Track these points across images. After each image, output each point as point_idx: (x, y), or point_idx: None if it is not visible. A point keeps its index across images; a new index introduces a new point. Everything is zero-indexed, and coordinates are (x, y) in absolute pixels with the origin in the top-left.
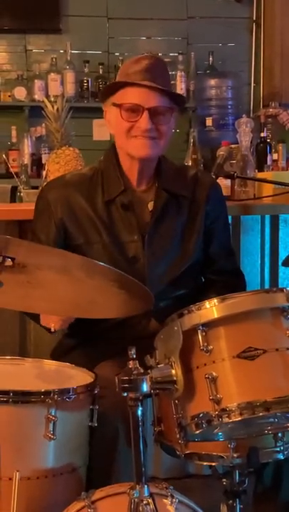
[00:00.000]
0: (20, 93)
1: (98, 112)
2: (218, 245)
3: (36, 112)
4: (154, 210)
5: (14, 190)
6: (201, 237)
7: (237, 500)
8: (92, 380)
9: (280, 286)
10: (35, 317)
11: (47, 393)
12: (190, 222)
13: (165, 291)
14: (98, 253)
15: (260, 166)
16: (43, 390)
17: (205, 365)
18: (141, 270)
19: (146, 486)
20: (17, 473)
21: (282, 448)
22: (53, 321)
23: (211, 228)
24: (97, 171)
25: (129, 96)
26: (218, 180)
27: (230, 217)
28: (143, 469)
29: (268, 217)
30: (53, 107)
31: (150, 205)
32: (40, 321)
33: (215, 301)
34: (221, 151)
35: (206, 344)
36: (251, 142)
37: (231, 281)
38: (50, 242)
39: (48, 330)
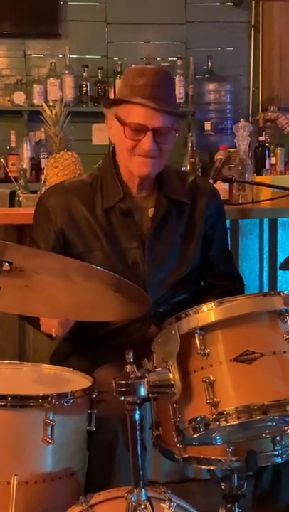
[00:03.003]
0: (19, 98)
1: (97, 117)
2: (217, 250)
3: (35, 116)
4: (154, 216)
5: (13, 194)
6: (201, 242)
7: (236, 504)
8: (90, 384)
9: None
10: (35, 324)
11: (45, 397)
12: (189, 228)
13: (165, 296)
14: (98, 260)
15: (259, 169)
16: (41, 394)
17: (202, 368)
18: (141, 276)
19: (144, 490)
20: (15, 477)
21: (280, 451)
22: (54, 327)
23: (210, 233)
24: (97, 178)
25: (134, 114)
26: (216, 185)
27: (228, 221)
28: (141, 473)
29: (266, 221)
30: (51, 111)
31: (150, 212)
32: (41, 327)
33: (212, 304)
34: (220, 155)
35: (203, 348)
36: (250, 146)
37: (230, 285)
38: (49, 250)
39: (49, 336)
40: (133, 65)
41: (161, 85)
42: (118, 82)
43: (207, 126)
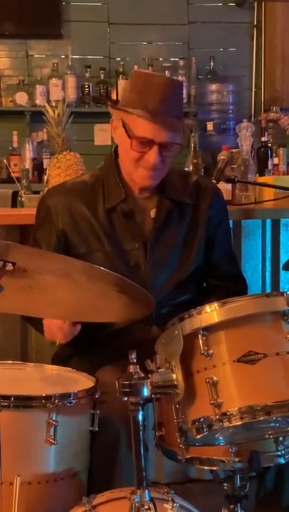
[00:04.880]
0: (21, 98)
1: (99, 117)
2: (220, 251)
3: (37, 117)
4: (156, 218)
5: (15, 195)
6: (203, 243)
7: (238, 504)
8: (93, 384)
9: (280, 291)
10: (40, 329)
11: (48, 398)
12: (192, 229)
13: (167, 297)
14: (100, 261)
15: (261, 170)
16: (44, 395)
17: (205, 369)
18: (143, 278)
19: (147, 490)
20: (18, 477)
21: (283, 452)
22: (58, 335)
23: (213, 234)
24: (98, 178)
25: (142, 128)
26: (219, 185)
27: (231, 222)
28: (144, 474)
29: (268, 222)
30: (53, 112)
31: (152, 213)
32: (45, 334)
33: (215, 305)
34: (222, 156)
35: (206, 348)
36: (252, 146)
37: (233, 287)
38: (51, 250)
39: (53, 342)
40: (136, 66)
41: (171, 99)
42: (120, 82)
43: (209, 126)
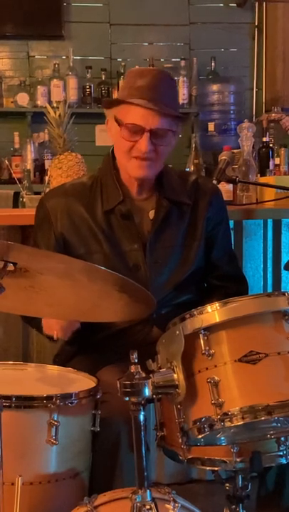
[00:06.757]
0: (22, 99)
1: (101, 118)
2: (220, 251)
3: (39, 117)
4: (155, 218)
5: (17, 195)
6: (203, 243)
7: (240, 505)
8: (95, 384)
9: (282, 290)
10: (38, 327)
11: (49, 398)
12: (191, 228)
13: (167, 298)
14: (99, 263)
15: (263, 170)
16: (45, 395)
17: (207, 369)
18: (143, 278)
19: (148, 490)
20: (19, 478)
21: (285, 452)
22: (56, 330)
23: (213, 234)
24: (97, 180)
25: (132, 115)
26: (220, 185)
27: (232, 222)
28: (145, 474)
29: (270, 222)
30: (55, 112)
31: (151, 214)
32: (43, 329)
33: (217, 305)
34: (223, 156)
35: (207, 348)
36: (253, 147)
37: (234, 287)
38: (51, 251)
39: (51, 338)
40: (136, 67)
41: (161, 87)
42: (121, 83)
43: (211, 127)
